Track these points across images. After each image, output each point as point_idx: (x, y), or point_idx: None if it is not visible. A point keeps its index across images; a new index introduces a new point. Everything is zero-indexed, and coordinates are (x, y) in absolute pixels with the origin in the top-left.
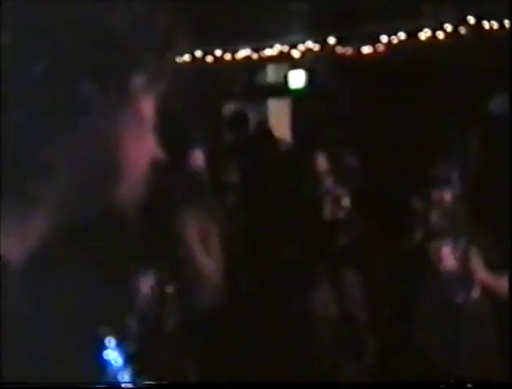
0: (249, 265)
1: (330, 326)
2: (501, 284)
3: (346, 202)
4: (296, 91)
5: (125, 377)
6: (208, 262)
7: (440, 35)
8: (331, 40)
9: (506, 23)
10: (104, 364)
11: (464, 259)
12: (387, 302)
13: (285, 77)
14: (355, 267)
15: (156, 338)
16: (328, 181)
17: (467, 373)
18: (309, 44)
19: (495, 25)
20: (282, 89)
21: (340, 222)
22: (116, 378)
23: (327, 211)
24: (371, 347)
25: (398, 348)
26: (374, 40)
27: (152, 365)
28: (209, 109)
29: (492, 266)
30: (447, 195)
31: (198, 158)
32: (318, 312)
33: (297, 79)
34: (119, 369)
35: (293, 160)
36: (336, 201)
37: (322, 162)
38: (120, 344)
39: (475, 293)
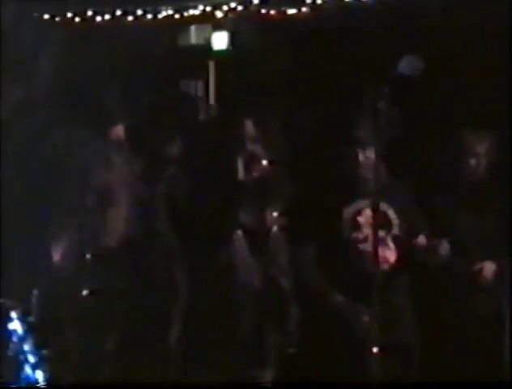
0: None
1: (252, 292)
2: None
3: (266, 163)
4: (220, 53)
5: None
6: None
7: None
8: (255, 0)
9: None
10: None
11: (384, 224)
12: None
13: (208, 38)
14: (280, 231)
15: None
16: (250, 144)
17: (383, 334)
18: (233, 4)
19: None
20: (205, 51)
21: (262, 181)
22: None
23: (248, 172)
24: (294, 315)
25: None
26: (299, 2)
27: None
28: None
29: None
30: (367, 155)
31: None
32: (242, 279)
33: (220, 40)
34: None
35: (218, 122)
36: (257, 162)
37: (245, 125)
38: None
39: (392, 257)
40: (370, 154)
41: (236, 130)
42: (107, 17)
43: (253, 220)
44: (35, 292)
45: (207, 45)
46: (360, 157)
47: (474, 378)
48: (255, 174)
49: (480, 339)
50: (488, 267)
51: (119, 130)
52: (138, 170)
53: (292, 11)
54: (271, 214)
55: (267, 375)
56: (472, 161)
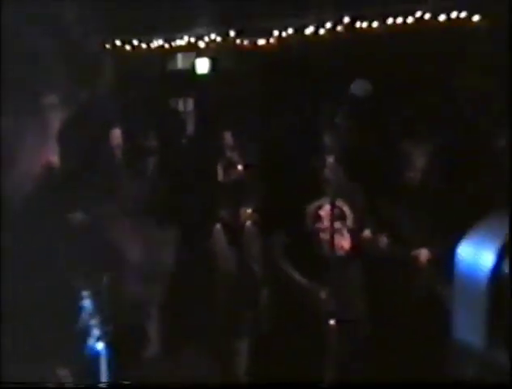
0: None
1: (229, 276)
2: (371, 240)
3: (241, 167)
4: (202, 76)
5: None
6: None
7: (321, 31)
8: (232, 33)
9: (375, 24)
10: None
11: (340, 217)
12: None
13: (193, 64)
14: (253, 225)
15: None
16: (229, 152)
17: (338, 309)
18: (213, 36)
19: (364, 24)
20: (190, 74)
21: (238, 183)
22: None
23: (226, 175)
24: (264, 294)
25: (287, 295)
26: (267, 34)
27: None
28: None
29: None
30: (328, 160)
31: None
32: (220, 265)
33: (203, 65)
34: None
35: (202, 133)
36: (234, 167)
37: (224, 136)
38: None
39: (346, 245)
40: (330, 159)
41: (217, 140)
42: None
43: (230, 215)
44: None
45: (192, 70)
46: (322, 162)
47: (413, 345)
48: (232, 177)
49: (417, 313)
50: (423, 254)
51: (117, 135)
52: (133, 171)
53: (262, 42)
54: (245, 210)
55: (243, 346)
56: (410, 165)
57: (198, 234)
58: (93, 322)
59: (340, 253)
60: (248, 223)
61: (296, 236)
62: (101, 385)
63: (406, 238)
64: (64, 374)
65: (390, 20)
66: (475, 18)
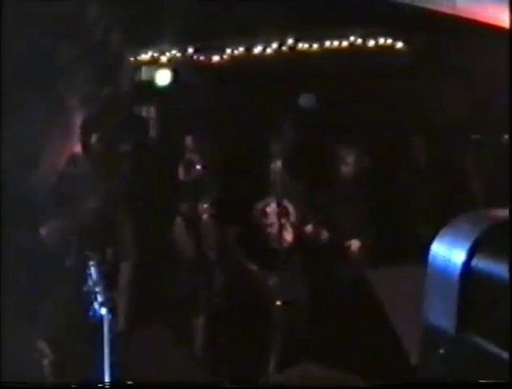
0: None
1: (188, 262)
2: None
3: (200, 167)
4: (163, 87)
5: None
6: None
7: (268, 50)
8: (190, 50)
9: (315, 46)
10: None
11: (284, 214)
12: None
13: (154, 76)
14: (210, 218)
15: None
16: (189, 154)
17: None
18: (174, 52)
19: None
20: (152, 85)
21: (196, 181)
22: (92, 289)
23: (187, 173)
24: (219, 279)
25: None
26: (221, 52)
27: None
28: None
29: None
30: (276, 164)
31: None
32: (181, 253)
33: (164, 77)
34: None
35: (165, 137)
36: (193, 167)
37: (185, 139)
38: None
39: (290, 238)
40: (277, 163)
41: (179, 143)
42: None
43: (189, 209)
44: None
45: (154, 81)
46: (271, 165)
47: (347, 325)
48: (192, 176)
49: (348, 294)
50: (355, 244)
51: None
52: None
53: (216, 58)
54: (203, 205)
55: (199, 321)
56: (344, 169)
57: (162, 226)
58: (98, 289)
59: (284, 245)
60: (204, 216)
61: (246, 229)
62: (101, 385)
63: (340, 230)
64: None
65: (327, 43)
66: (399, 45)
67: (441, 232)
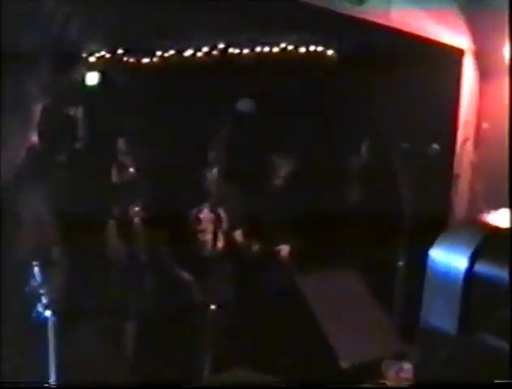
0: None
1: (119, 266)
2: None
3: (132, 170)
4: (91, 88)
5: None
6: None
7: (198, 54)
8: (120, 51)
9: (245, 51)
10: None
11: (217, 220)
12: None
13: (83, 77)
14: (141, 222)
15: None
16: (121, 156)
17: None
18: (103, 52)
19: (236, 51)
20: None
21: (129, 184)
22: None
23: (119, 176)
24: (150, 282)
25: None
26: (151, 54)
27: None
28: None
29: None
30: (210, 171)
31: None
32: (113, 255)
33: (93, 78)
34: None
35: (98, 139)
36: (125, 169)
37: (117, 141)
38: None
39: (221, 245)
40: (212, 170)
41: (111, 145)
42: None
43: (121, 212)
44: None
45: (82, 82)
46: (206, 170)
47: (276, 328)
48: (124, 178)
49: (279, 298)
50: (284, 249)
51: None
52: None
53: (146, 60)
54: (134, 208)
55: (130, 325)
56: (275, 175)
57: (94, 229)
58: (42, 290)
59: (215, 251)
60: (136, 219)
61: (179, 235)
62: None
63: (270, 236)
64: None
65: (258, 49)
66: (330, 52)
67: (439, 239)
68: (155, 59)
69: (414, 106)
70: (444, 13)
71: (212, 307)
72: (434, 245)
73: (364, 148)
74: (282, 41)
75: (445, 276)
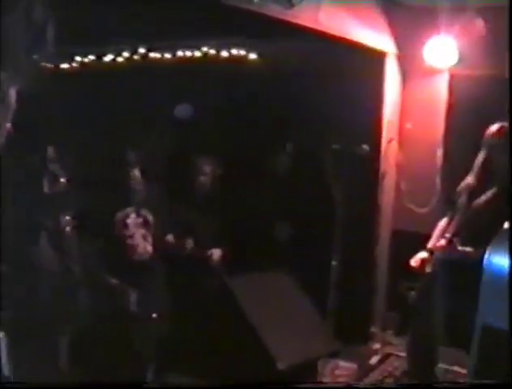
0: None
1: (53, 277)
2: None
3: (63, 180)
4: None
5: None
6: None
7: (119, 59)
8: (35, 57)
9: (167, 56)
10: None
11: (144, 224)
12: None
13: None
14: (72, 230)
15: None
16: (52, 165)
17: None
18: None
19: (159, 56)
20: None
21: (60, 194)
22: None
23: (50, 187)
24: (83, 292)
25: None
26: (70, 59)
27: None
28: None
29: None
30: (135, 174)
31: None
32: (46, 266)
33: None
34: None
35: (27, 147)
36: (56, 179)
37: (47, 150)
38: None
39: (150, 249)
40: (136, 173)
41: (42, 154)
42: None
43: (52, 222)
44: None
45: None
46: (131, 175)
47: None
48: (56, 188)
49: (212, 302)
50: (216, 252)
51: None
52: None
53: (64, 66)
54: (65, 218)
55: (65, 336)
56: (202, 178)
57: (27, 240)
58: None
59: (145, 256)
60: (67, 229)
61: (107, 241)
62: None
63: (203, 240)
64: None
65: (180, 53)
66: (252, 56)
67: (495, 240)
68: (74, 64)
69: (341, 108)
70: (368, 16)
71: (147, 314)
72: (490, 247)
73: (290, 149)
74: (203, 45)
75: (502, 277)
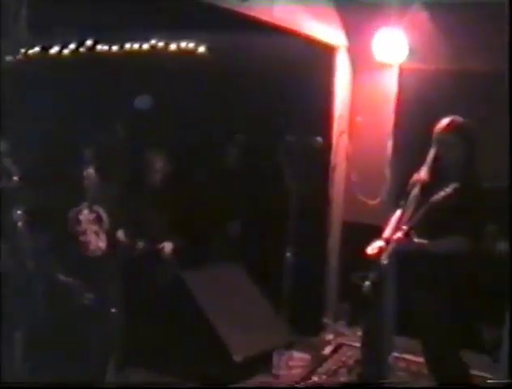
0: None
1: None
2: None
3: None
4: None
5: None
6: None
7: (65, 52)
8: None
9: (115, 48)
10: None
11: (97, 220)
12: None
13: None
14: (23, 225)
15: None
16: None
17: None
18: None
19: (106, 48)
20: None
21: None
22: None
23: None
24: (36, 287)
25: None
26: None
27: None
28: None
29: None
30: (88, 170)
31: None
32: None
33: None
34: None
35: None
36: (9, 174)
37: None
38: None
39: (103, 246)
40: (89, 170)
41: None
42: None
43: (3, 217)
44: None
45: None
46: (84, 171)
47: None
48: (9, 185)
49: (167, 296)
50: (168, 246)
51: None
52: None
53: (9, 58)
54: (17, 212)
55: (20, 333)
56: (154, 173)
57: None
58: None
59: (98, 253)
60: (19, 223)
61: (60, 237)
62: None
63: (154, 234)
64: None
65: (127, 45)
66: (201, 49)
67: None
68: (19, 57)
69: (293, 101)
70: (319, 10)
71: (104, 310)
72: None
73: (240, 142)
74: (152, 38)
75: None
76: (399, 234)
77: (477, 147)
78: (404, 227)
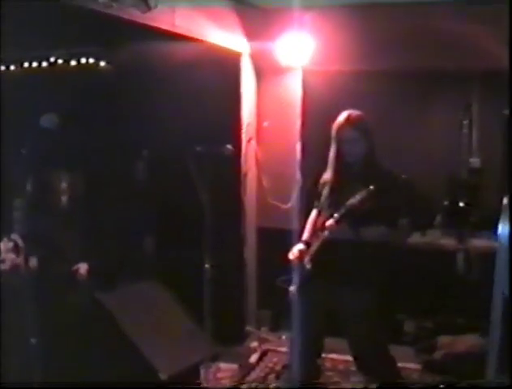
0: None
1: None
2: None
3: None
4: None
5: None
6: None
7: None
8: None
9: (12, 67)
10: None
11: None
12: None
13: None
14: None
15: None
16: None
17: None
18: None
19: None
20: None
21: None
22: None
23: None
24: None
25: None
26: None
27: None
28: None
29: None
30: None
31: None
32: None
33: None
34: None
35: None
36: None
37: None
38: None
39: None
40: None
41: None
42: None
43: None
44: None
45: None
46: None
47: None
48: None
49: (84, 318)
50: (83, 267)
51: None
52: None
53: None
54: None
55: None
56: (62, 194)
57: None
58: None
59: (16, 280)
60: None
61: None
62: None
63: (68, 255)
64: None
65: (26, 64)
66: (102, 64)
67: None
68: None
69: (199, 111)
70: (222, 17)
71: (23, 340)
72: (500, 222)
73: (146, 155)
74: (51, 55)
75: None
76: (331, 221)
77: (375, 140)
78: (336, 215)
